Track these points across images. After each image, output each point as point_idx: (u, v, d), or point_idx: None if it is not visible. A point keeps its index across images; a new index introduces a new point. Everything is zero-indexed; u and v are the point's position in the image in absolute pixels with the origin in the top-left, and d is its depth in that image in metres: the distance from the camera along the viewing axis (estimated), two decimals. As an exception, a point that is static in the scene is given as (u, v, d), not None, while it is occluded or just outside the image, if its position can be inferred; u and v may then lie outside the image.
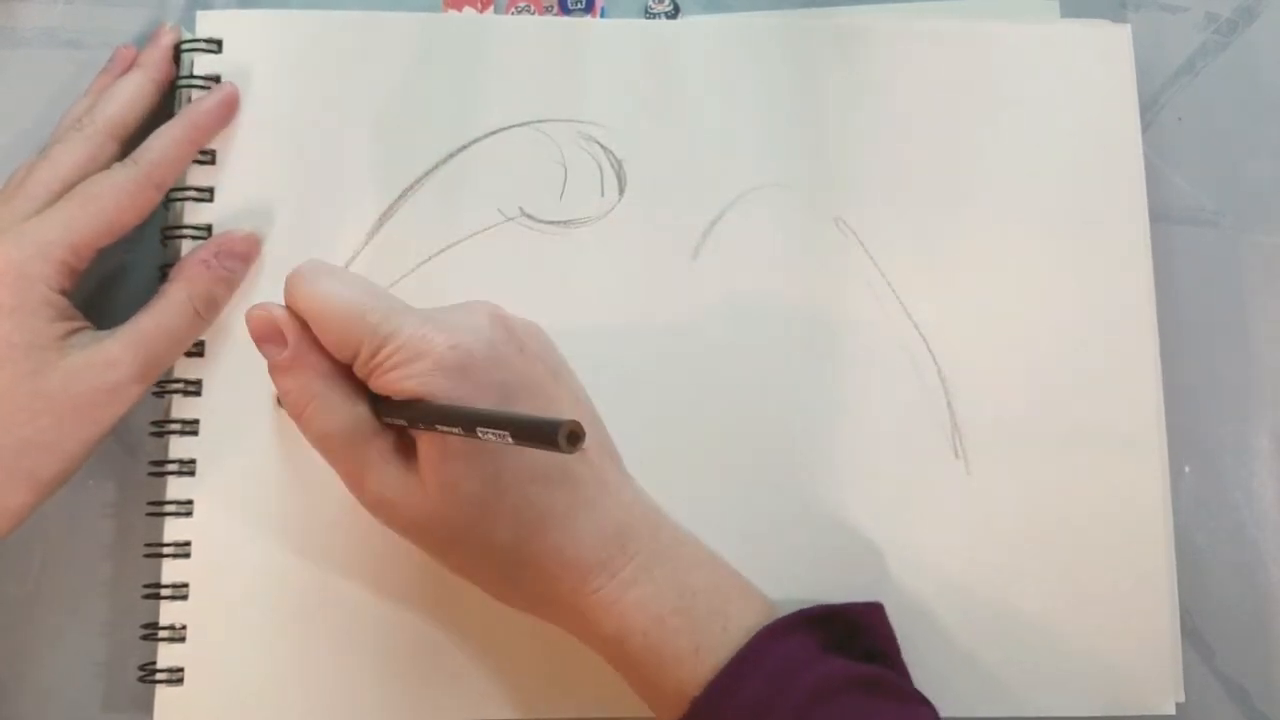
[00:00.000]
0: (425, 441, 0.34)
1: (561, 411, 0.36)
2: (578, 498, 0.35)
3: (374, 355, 0.34)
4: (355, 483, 0.35)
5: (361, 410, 0.35)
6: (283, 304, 0.36)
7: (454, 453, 0.34)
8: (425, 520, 0.35)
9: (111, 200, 0.39)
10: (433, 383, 0.33)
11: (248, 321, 0.35)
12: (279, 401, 0.42)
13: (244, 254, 0.42)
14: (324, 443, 0.35)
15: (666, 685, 0.35)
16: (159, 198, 0.41)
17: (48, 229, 0.38)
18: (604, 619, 0.35)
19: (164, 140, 0.41)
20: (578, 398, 0.38)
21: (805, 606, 0.37)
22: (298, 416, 0.35)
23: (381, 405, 0.35)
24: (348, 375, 0.35)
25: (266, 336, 0.35)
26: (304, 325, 0.35)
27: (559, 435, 0.28)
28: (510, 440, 0.30)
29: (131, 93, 0.42)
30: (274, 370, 0.35)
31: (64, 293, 0.39)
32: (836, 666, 0.35)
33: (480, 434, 0.31)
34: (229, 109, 0.43)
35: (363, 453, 0.35)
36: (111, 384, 0.38)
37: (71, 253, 0.38)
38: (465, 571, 0.37)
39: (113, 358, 0.38)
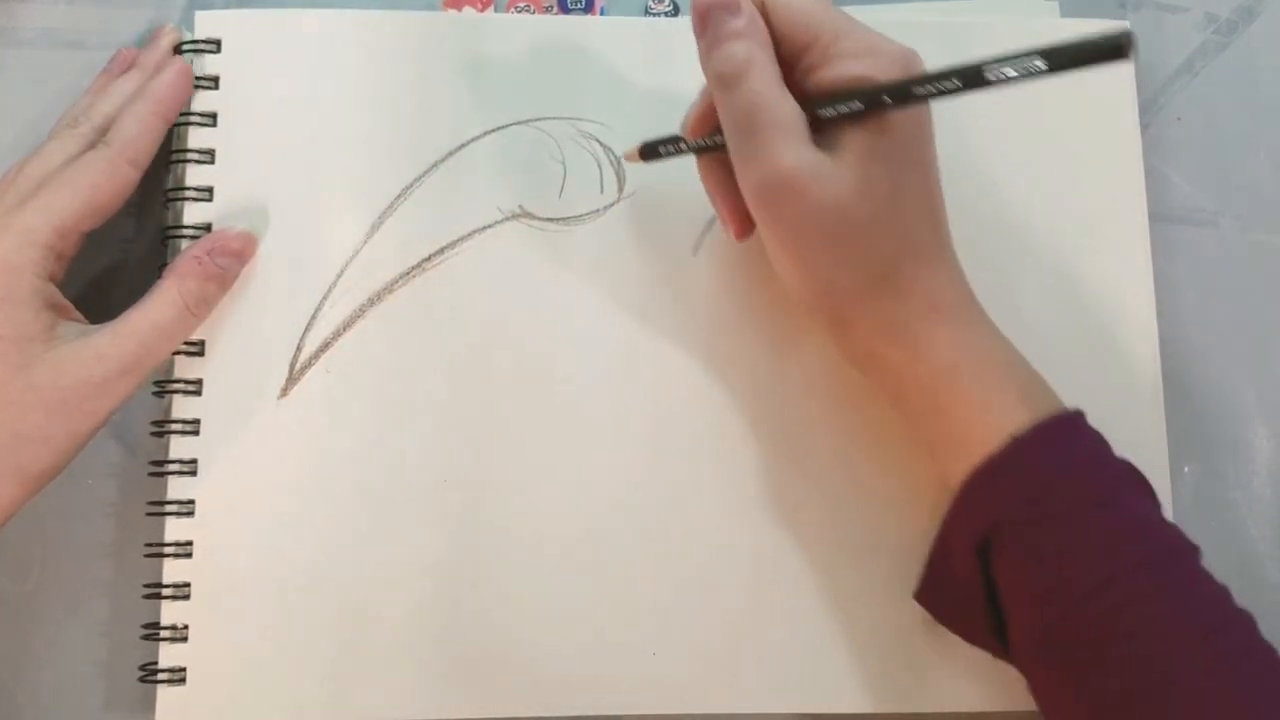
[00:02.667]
0: (854, 135, 0.35)
1: (938, 165, 0.38)
2: (943, 243, 0.38)
3: (834, 42, 0.36)
4: (770, 157, 0.35)
5: (788, 93, 0.36)
6: None
7: (880, 150, 0.35)
8: (824, 207, 0.35)
9: (87, 181, 0.39)
10: (886, 75, 0.35)
11: None
12: (640, 155, 0.42)
13: (238, 252, 0.42)
14: (756, 110, 0.35)
15: (989, 422, 0.36)
16: (137, 175, 0.41)
17: (30, 216, 0.38)
18: (941, 352, 0.37)
19: (132, 118, 0.41)
20: None
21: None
22: (734, 85, 0.35)
23: (809, 105, 0.36)
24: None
25: (721, 5, 0.36)
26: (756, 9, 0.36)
27: (1121, 41, 0.27)
28: (1043, 68, 0.29)
29: (130, 93, 0.42)
30: (720, 38, 0.36)
31: (53, 280, 0.39)
32: (1134, 467, 0.37)
33: (990, 73, 0.30)
34: (184, 79, 0.43)
35: (789, 125, 0.35)
36: (100, 377, 0.38)
37: (56, 237, 0.38)
38: (825, 276, 0.37)
39: (101, 351, 0.38)
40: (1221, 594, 0.35)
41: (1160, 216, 0.47)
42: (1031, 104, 0.46)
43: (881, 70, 0.35)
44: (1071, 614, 0.34)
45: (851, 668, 0.42)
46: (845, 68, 0.35)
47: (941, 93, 0.33)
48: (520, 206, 0.44)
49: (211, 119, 0.44)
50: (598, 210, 0.44)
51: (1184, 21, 0.49)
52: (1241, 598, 0.44)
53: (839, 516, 0.43)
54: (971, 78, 0.32)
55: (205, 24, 0.45)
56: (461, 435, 0.43)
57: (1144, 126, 0.47)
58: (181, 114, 0.43)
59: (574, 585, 0.42)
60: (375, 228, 0.44)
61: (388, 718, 0.41)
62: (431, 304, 0.43)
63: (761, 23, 0.36)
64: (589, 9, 0.47)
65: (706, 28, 0.36)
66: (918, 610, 0.41)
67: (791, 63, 0.37)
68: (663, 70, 0.45)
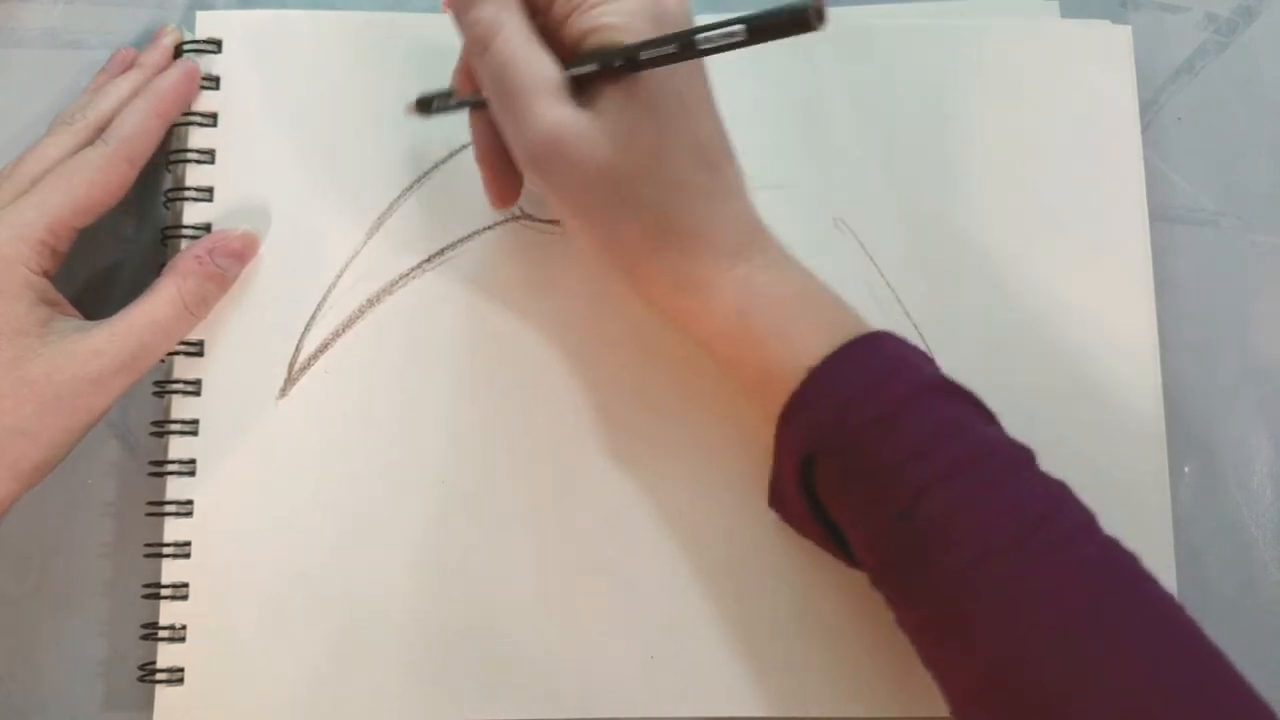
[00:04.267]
0: (610, 89, 0.35)
1: (714, 106, 0.37)
2: (726, 187, 0.37)
3: None
4: (530, 120, 0.34)
5: (545, 51, 0.35)
6: None
7: (637, 100, 0.35)
8: (591, 165, 0.35)
9: (83, 178, 0.39)
10: (630, 21, 0.34)
11: None
12: (416, 109, 0.41)
13: (238, 252, 0.42)
14: (509, 74, 0.34)
15: (786, 356, 0.36)
16: (133, 173, 0.41)
17: (24, 211, 0.38)
18: (733, 294, 0.37)
19: (132, 116, 0.41)
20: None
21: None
22: (483, 49, 0.35)
23: (564, 59, 0.35)
24: (532, 23, 0.35)
25: None
26: None
27: (809, 11, 0.27)
28: (743, 37, 0.30)
29: (128, 92, 0.42)
30: (466, 2, 0.35)
31: (46, 275, 0.39)
32: (954, 381, 0.36)
33: (703, 43, 0.31)
34: (191, 81, 0.43)
35: (545, 87, 0.34)
36: (95, 373, 0.38)
37: (49, 233, 0.39)
38: (606, 234, 0.37)
39: (97, 347, 0.38)
40: (1050, 490, 0.35)
41: (1160, 216, 0.47)
42: (1032, 103, 0.46)
43: (628, 19, 0.34)
44: (887, 532, 0.34)
45: (849, 671, 0.42)
46: (591, 18, 0.34)
47: (664, 59, 0.33)
48: (520, 208, 0.44)
49: (212, 119, 0.44)
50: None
51: (1184, 21, 0.49)
52: (1241, 597, 0.45)
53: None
54: (686, 45, 0.32)
55: (206, 24, 0.45)
56: (460, 436, 0.43)
57: (1144, 126, 0.47)
58: (182, 114, 0.44)
59: (572, 588, 0.42)
60: (375, 229, 0.44)
61: (387, 717, 0.41)
62: (430, 305, 0.43)
63: None
64: (589, 9, 0.47)
65: None
66: None
67: (544, 12, 0.36)
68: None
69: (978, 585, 0.33)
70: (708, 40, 0.31)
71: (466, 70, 0.39)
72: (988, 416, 0.37)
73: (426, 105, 0.41)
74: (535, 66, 0.35)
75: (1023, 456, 0.35)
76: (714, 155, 0.37)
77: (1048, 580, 0.32)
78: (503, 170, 0.40)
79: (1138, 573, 0.33)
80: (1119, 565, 0.33)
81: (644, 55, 0.33)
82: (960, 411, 0.36)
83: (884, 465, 0.34)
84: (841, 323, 0.37)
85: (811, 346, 0.36)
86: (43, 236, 0.38)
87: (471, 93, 0.39)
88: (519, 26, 0.35)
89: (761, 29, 0.29)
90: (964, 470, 0.34)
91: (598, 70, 0.34)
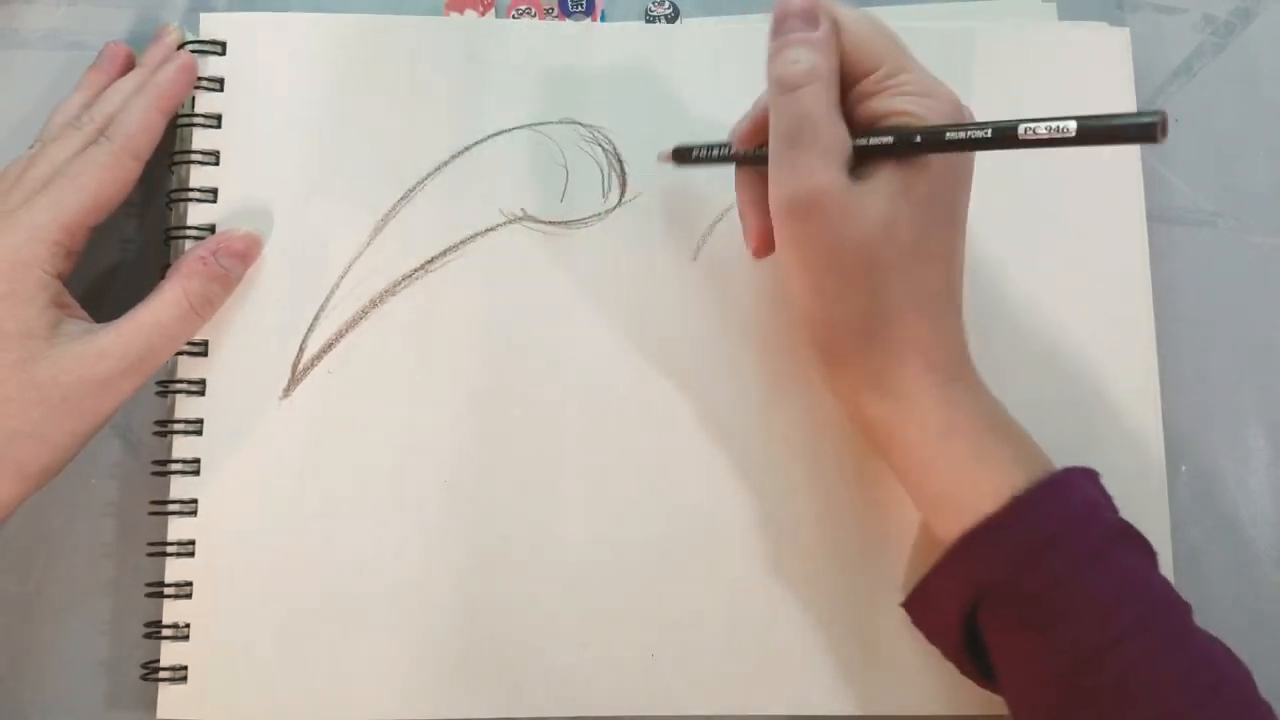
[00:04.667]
0: (891, 174, 0.35)
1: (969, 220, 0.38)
2: (954, 300, 0.37)
3: (891, 76, 0.36)
4: (805, 170, 0.35)
5: (841, 116, 0.36)
6: None
7: (914, 188, 0.35)
8: (849, 238, 0.35)
9: (92, 176, 0.39)
10: (933, 119, 0.35)
11: (787, 1, 0.36)
12: (673, 158, 0.42)
13: (242, 253, 0.42)
14: (807, 118, 0.35)
15: (982, 485, 0.36)
16: (138, 169, 0.41)
17: (37, 213, 0.38)
18: (937, 412, 0.36)
19: (133, 112, 0.41)
20: None
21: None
22: (794, 87, 0.35)
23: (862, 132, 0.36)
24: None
25: (803, 14, 0.36)
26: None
27: (1157, 125, 0.27)
28: (1071, 135, 0.29)
29: (132, 92, 0.42)
30: (796, 41, 0.36)
31: (60, 276, 0.39)
32: (1127, 523, 0.37)
33: (1026, 133, 0.30)
34: (188, 74, 0.43)
35: (831, 143, 0.35)
36: (102, 375, 0.38)
37: (64, 233, 0.39)
38: (827, 318, 0.37)
39: (104, 349, 0.38)
40: (1218, 650, 0.35)
41: (1158, 217, 0.47)
42: (1030, 105, 0.46)
43: (929, 113, 0.35)
44: (1066, 679, 0.34)
45: (848, 670, 0.42)
46: (896, 103, 0.35)
47: (972, 143, 0.33)
48: (522, 209, 0.44)
49: (216, 121, 0.44)
50: (600, 214, 0.45)
51: (1182, 23, 0.49)
52: (1238, 595, 0.45)
53: (837, 520, 0.43)
54: (1004, 132, 0.32)
55: (210, 26, 0.45)
56: (463, 437, 0.43)
57: (1142, 128, 0.47)
58: (186, 115, 0.44)
59: (574, 587, 0.42)
60: (378, 230, 0.44)
61: (387, 717, 0.41)
62: (434, 306, 0.43)
63: (834, 41, 0.36)
64: (589, 13, 0.47)
65: (780, 30, 0.36)
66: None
67: (849, 85, 0.36)
68: (663, 74, 0.45)
69: None
70: (1030, 131, 0.30)
71: (755, 125, 0.39)
72: (1154, 559, 0.37)
73: (685, 156, 0.41)
74: (833, 125, 0.35)
75: (1188, 611, 0.36)
76: (956, 267, 0.37)
77: None
78: (768, 223, 0.39)
79: None
80: None
81: (950, 136, 0.33)
82: (1142, 563, 0.36)
83: (1075, 614, 0.34)
84: (1036, 457, 0.37)
85: (1011, 475, 0.36)
86: (58, 238, 0.38)
87: (753, 148, 0.39)
88: (831, 83, 0.36)
89: (1096, 132, 0.29)
90: (1149, 628, 0.34)
91: (888, 146, 0.35)
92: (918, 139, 0.34)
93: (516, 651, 0.42)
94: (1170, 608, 0.35)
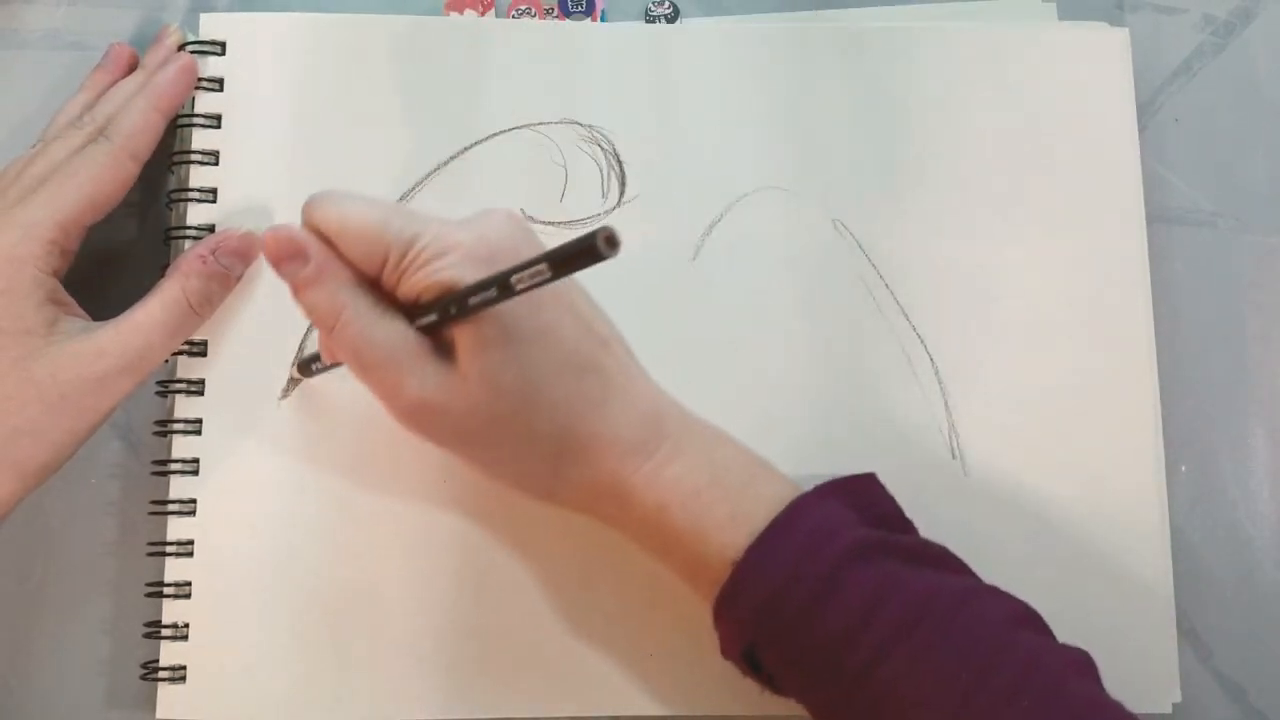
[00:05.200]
0: (463, 335, 0.34)
1: (579, 305, 0.36)
2: (610, 384, 0.36)
3: (402, 257, 0.34)
4: (393, 390, 0.34)
5: (393, 317, 0.34)
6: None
7: (492, 341, 0.34)
8: (468, 417, 0.34)
9: (89, 175, 0.39)
10: (462, 271, 0.33)
11: (265, 244, 0.34)
12: (298, 372, 0.42)
13: (242, 252, 0.42)
14: (360, 352, 0.34)
15: (709, 554, 0.36)
16: (137, 169, 0.41)
17: (32, 211, 0.38)
18: (645, 496, 0.36)
19: (132, 112, 0.41)
20: (588, 296, 0.38)
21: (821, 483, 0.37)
22: (329, 330, 0.34)
23: (411, 312, 0.35)
24: (373, 288, 0.35)
25: (287, 255, 0.34)
26: (324, 242, 0.34)
27: (597, 241, 0.27)
28: (549, 274, 0.30)
29: (133, 93, 0.42)
30: (299, 288, 0.34)
31: (55, 274, 0.39)
32: (870, 532, 0.36)
33: (517, 283, 0.30)
34: (188, 75, 0.43)
35: (399, 358, 0.34)
36: (100, 373, 0.38)
37: (59, 231, 0.39)
38: (508, 470, 0.36)
39: (102, 347, 0.38)
40: (990, 619, 0.35)
41: (1158, 217, 0.47)
42: (1030, 105, 0.46)
43: (458, 268, 0.33)
44: (843, 702, 0.34)
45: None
46: (421, 278, 0.33)
47: (484, 304, 0.32)
48: (522, 210, 0.44)
49: (216, 121, 0.44)
50: (599, 214, 0.45)
51: (1181, 23, 0.49)
52: (1237, 595, 0.45)
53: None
54: (503, 287, 0.31)
55: (210, 26, 0.45)
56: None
57: (1142, 128, 0.47)
58: (186, 115, 0.44)
59: (573, 586, 0.42)
60: (377, 229, 0.44)
61: (387, 718, 0.42)
62: (433, 305, 0.43)
63: (332, 260, 0.34)
64: (589, 13, 0.47)
65: (283, 275, 0.34)
66: None
67: (377, 278, 0.35)
68: (663, 74, 0.45)
69: None
70: (519, 281, 0.30)
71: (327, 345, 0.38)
72: (914, 552, 0.36)
73: (306, 367, 0.41)
74: (385, 336, 0.34)
75: (956, 594, 0.35)
76: (589, 356, 0.36)
77: None
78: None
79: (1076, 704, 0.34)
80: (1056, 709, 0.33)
81: (472, 302, 0.32)
82: (888, 568, 0.35)
83: (828, 642, 0.34)
84: (757, 504, 0.36)
85: (732, 540, 0.35)
86: (53, 236, 0.38)
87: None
88: (359, 300, 0.34)
89: (562, 262, 0.29)
90: (908, 632, 0.33)
91: (441, 320, 0.34)
92: (452, 310, 0.33)
93: (515, 651, 0.42)
94: (929, 600, 0.34)
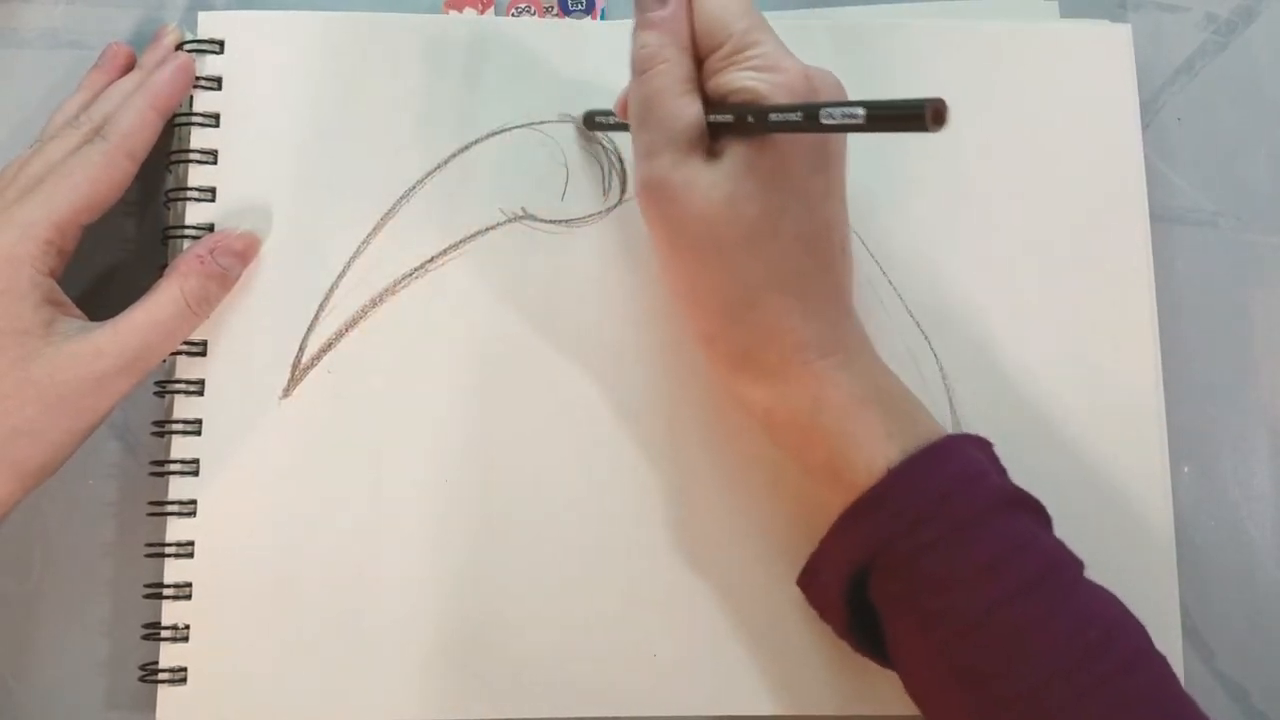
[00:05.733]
0: (737, 149, 0.35)
1: (843, 191, 0.38)
2: (824, 282, 0.37)
3: (738, 51, 0.35)
4: (652, 155, 0.36)
5: (693, 97, 0.36)
6: None
7: (757, 169, 0.35)
8: (696, 219, 0.35)
9: (86, 174, 0.39)
10: (776, 95, 0.35)
11: None
12: (583, 123, 0.44)
13: (240, 252, 0.42)
14: (652, 104, 0.36)
15: (856, 459, 0.36)
16: (134, 168, 0.41)
17: (29, 210, 0.38)
18: (805, 387, 0.36)
19: (129, 111, 0.41)
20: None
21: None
22: (642, 71, 0.36)
23: (707, 104, 0.36)
24: (693, 67, 0.36)
25: None
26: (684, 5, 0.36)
27: (925, 111, 0.28)
28: (862, 122, 0.30)
29: (130, 93, 0.42)
30: (642, 25, 0.36)
31: (52, 274, 0.39)
32: (1016, 486, 0.37)
33: (825, 117, 0.31)
34: (185, 74, 0.43)
35: (674, 130, 0.35)
36: (98, 374, 0.38)
37: (56, 231, 0.39)
38: (692, 296, 0.37)
39: (101, 347, 0.38)
40: (1110, 606, 0.35)
41: (1159, 217, 0.47)
42: (1033, 104, 0.46)
43: (773, 90, 0.35)
44: (952, 644, 0.34)
45: (850, 669, 0.42)
46: (739, 78, 0.35)
47: (783, 126, 0.33)
48: (523, 208, 0.44)
49: (214, 120, 0.44)
50: (600, 212, 0.44)
51: (1184, 21, 0.49)
52: (1240, 596, 0.45)
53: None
54: (809, 116, 0.32)
55: (208, 25, 0.45)
56: (463, 436, 0.43)
57: (1144, 126, 0.47)
58: (184, 114, 0.44)
59: (575, 586, 0.42)
60: (377, 229, 0.44)
61: (387, 718, 0.41)
62: (434, 305, 0.43)
63: (683, 17, 0.36)
64: (589, 12, 0.47)
65: (637, 8, 0.37)
66: None
67: (701, 59, 0.36)
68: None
69: (1046, 706, 0.33)
70: (829, 115, 0.31)
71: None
72: (1047, 522, 0.37)
73: (590, 120, 0.44)
74: (678, 106, 0.35)
75: (1079, 568, 0.36)
76: (821, 244, 0.37)
77: (1108, 708, 0.33)
78: None
79: (1183, 699, 0.34)
80: (1167, 694, 0.34)
81: (772, 118, 0.34)
82: (1027, 525, 0.36)
83: (955, 580, 0.34)
84: (915, 429, 0.37)
85: (883, 452, 0.36)
86: (49, 236, 0.38)
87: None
88: (678, 62, 0.36)
89: (879, 118, 0.30)
90: (1034, 587, 0.34)
91: (731, 123, 0.35)
92: (749, 119, 0.35)
93: (516, 652, 0.42)
94: (1057, 567, 0.35)
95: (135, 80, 0.43)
